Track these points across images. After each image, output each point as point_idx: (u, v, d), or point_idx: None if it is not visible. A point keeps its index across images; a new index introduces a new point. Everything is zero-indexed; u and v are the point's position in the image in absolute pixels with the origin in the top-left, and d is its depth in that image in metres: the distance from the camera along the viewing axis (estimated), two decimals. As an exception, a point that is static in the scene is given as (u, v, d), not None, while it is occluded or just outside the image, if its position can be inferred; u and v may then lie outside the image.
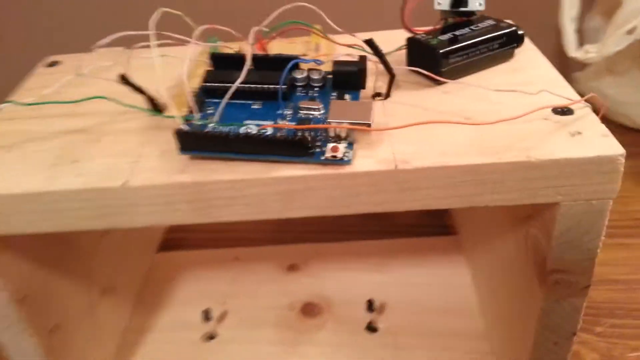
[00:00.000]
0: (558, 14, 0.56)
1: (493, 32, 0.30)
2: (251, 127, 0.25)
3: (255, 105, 0.27)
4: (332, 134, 0.24)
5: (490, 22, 0.31)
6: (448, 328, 0.40)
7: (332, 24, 0.29)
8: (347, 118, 0.24)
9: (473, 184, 0.24)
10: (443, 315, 0.41)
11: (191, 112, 0.26)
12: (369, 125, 0.24)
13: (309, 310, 0.43)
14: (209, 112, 0.26)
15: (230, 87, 0.26)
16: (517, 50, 0.31)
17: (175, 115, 0.25)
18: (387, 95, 0.29)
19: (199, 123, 0.25)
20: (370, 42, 0.28)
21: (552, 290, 0.27)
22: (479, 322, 0.40)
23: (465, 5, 0.31)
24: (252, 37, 0.30)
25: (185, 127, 0.24)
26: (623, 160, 0.23)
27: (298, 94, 0.27)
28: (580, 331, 0.29)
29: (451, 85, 0.29)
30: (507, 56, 0.31)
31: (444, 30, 0.31)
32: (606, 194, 0.24)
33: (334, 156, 0.24)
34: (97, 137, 0.28)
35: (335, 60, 0.27)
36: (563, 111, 0.26)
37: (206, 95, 0.27)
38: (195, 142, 0.25)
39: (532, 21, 0.61)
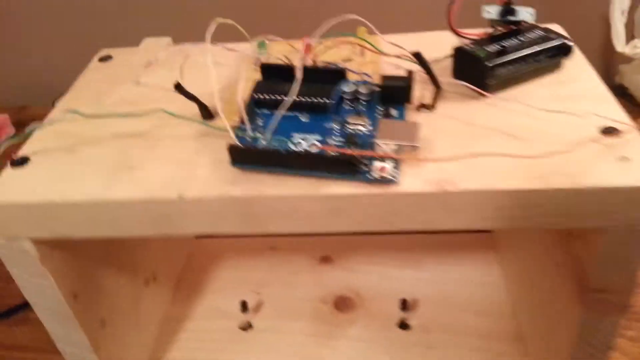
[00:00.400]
0: (609, 7, 0.54)
1: (542, 44, 0.30)
2: (302, 144, 0.25)
3: (303, 117, 0.27)
4: (380, 152, 0.25)
5: (539, 32, 0.30)
6: (481, 328, 0.40)
7: (375, 29, 0.29)
8: (395, 139, 0.24)
9: (519, 208, 0.24)
10: (476, 314, 0.41)
11: (242, 121, 0.27)
12: (415, 147, 0.24)
13: (342, 304, 0.44)
14: (259, 123, 0.27)
15: (279, 100, 0.26)
16: (564, 60, 0.31)
17: (226, 125, 0.26)
18: (432, 107, 0.29)
19: (251, 137, 0.26)
20: (418, 57, 0.28)
21: (592, 307, 0.27)
22: (511, 323, 0.40)
23: (515, 15, 0.30)
24: (303, 49, 0.31)
25: (238, 143, 0.25)
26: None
27: (345, 106, 0.28)
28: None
29: (495, 99, 0.29)
30: (555, 67, 0.31)
31: (492, 39, 0.30)
32: (654, 220, 0.24)
33: (382, 176, 0.24)
34: (152, 143, 0.28)
35: (384, 76, 0.27)
36: (610, 131, 0.26)
37: (256, 105, 0.28)
38: (247, 157, 0.25)
39: (578, 11, 0.60)
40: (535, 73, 0.30)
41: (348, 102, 0.28)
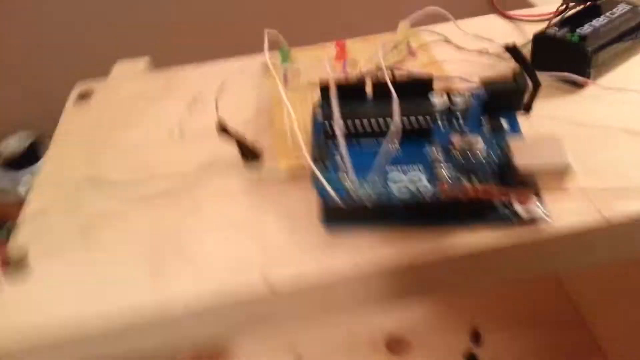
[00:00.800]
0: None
1: (635, 19, 0.25)
2: (403, 182, 0.19)
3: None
4: (520, 162, 0.19)
5: (624, 6, 0.26)
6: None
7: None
8: (536, 161, 0.19)
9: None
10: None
11: (316, 162, 0.20)
12: (567, 169, 0.19)
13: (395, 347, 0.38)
14: (337, 162, 0.20)
15: (364, 128, 0.20)
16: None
17: (315, 172, 0.19)
18: (529, 108, 0.23)
19: (349, 187, 0.19)
20: (513, 51, 0.22)
21: None
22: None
23: (599, -14, 0.25)
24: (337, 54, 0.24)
25: (335, 197, 0.18)
26: None
27: (441, 125, 0.22)
28: None
29: (596, 88, 0.24)
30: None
31: (570, 19, 0.25)
32: None
33: (530, 216, 0.19)
34: (194, 204, 0.21)
35: (485, 80, 0.22)
36: None
37: (320, 134, 0.21)
38: (346, 213, 0.19)
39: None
40: (630, 51, 0.26)
41: (441, 118, 0.22)
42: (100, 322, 0.18)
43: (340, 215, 0.19)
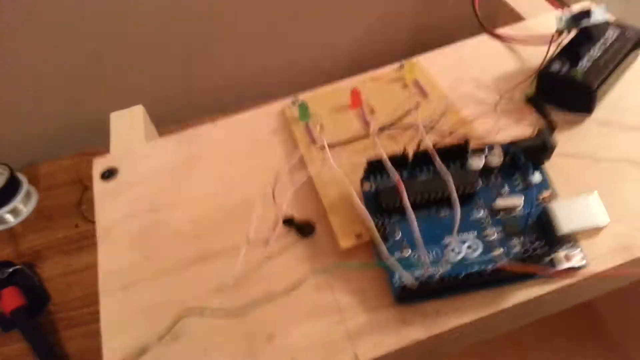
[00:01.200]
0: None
1: (626, 46, 0.27)
2: (461, 251, 0.22)
3: (441, 213, 0.23)
4: (560, 233, 0.22)
5: (614, 30, 0.28)
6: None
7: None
8: (576, 225, 0.22)
9: None
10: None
11: (382, 239, 0.22)
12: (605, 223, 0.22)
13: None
14: (394, 234, 0.23)
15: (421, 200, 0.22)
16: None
17: (346, 246, 0.21)
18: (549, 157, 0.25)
19: (422, 267, 0.21)
20: (535, 103, 0.24)
21: None
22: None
23: (590, 17, 0.27)
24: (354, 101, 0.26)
25: (411, 278, 0.21)
26: None
27: (479, 184, 0.24)
28: None
29: (599, 116, 0.27)
30: (633, 60, 0.29)
31: (569, 49, 0.28)
32: None
33: (572, 267, 0.22)
34: (268, 296, 0.23)
35: (515, 139, 0.24)
36: None
37: (374, 210, 0.23)
38: (418, 292, 0.21)
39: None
40: (620, 74, 0.28)
41: (483, 178, 0.24)
42: None
43: (412, 292, 0.21)
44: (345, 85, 0.30)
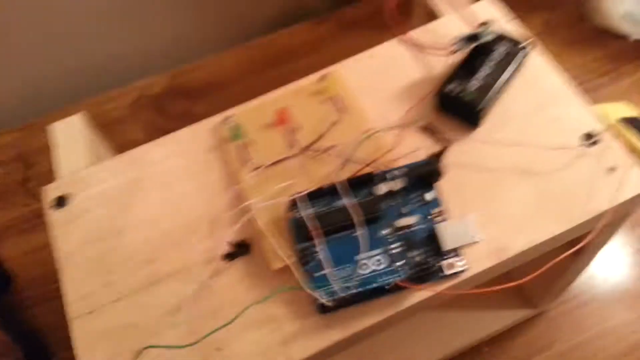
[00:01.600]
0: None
1: (512, 60, 0.32)
2: (368, 266, 0.27)
3: (354, 232, 0.28)
4: (445, 249, 0.27)
5: (506, 45, 0.32)
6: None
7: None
8: (458, 242, 0.27)
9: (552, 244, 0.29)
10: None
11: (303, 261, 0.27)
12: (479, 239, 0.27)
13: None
14: (315, 257, 0.27)
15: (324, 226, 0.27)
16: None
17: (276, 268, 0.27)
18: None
19: (334, 287, 0.27)
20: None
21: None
22: None
23: (478, 39, 0.31)
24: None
25: (326, 301, 0.26)
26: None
27: (384, 207, 0.29)
28: None
29: (485, 129, 0.31)
30: (519, 69, 0.33)
31: (461, 69, 0.31)
32: None
33: (454, 273, 0.27)
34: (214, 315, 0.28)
35: (406, 166, 0.29)
36: (589, 139, 0.30)
37: (298, 237, 0.28)
38: (332, 307, 0.27)
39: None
40: (506, 88, 0.32)
41: (388, 200, 0.29)
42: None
43: (330, 307, 0.27)
44: (273, 98, 0.33)
